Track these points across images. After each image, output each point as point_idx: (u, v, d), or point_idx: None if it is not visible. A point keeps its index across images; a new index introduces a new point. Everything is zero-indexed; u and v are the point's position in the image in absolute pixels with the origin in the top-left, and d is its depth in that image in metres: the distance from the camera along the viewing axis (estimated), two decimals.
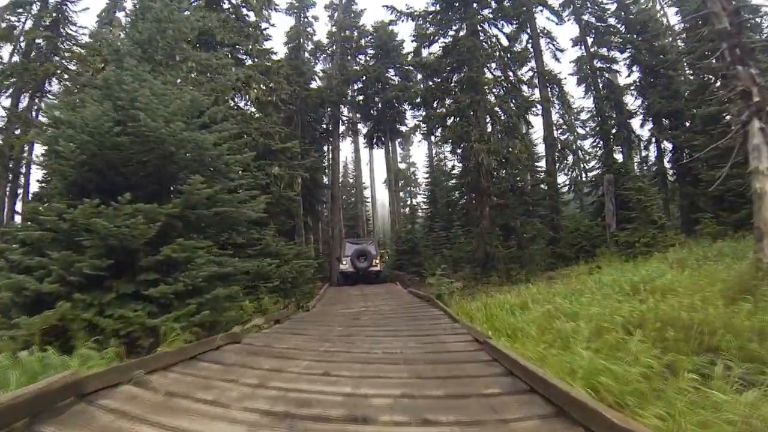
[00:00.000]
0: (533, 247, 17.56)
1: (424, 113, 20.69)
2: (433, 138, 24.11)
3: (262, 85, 17.66)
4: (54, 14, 22.13)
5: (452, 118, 17.62)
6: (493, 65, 19.65)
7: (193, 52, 10.43)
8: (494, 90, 19.54)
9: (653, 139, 29.55)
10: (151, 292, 6.17)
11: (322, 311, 9.49)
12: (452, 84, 18.42)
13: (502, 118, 18.46)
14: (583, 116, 35.27)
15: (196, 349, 4.26)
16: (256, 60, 18.90)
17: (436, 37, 19.31)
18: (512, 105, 18.23)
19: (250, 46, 18.84)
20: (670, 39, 31.05)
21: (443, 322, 6.51)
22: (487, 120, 18.50)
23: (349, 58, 35.36)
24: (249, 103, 17.68)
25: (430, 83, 19.47)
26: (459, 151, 19.41)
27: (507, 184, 17.85)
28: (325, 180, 33.16)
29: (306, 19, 35.13)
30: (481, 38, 18.67)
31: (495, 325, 7.67)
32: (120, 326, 6.08)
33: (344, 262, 18.83)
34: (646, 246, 17.42)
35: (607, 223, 24.24)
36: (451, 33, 19.39)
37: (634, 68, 30.14)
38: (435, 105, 19.16)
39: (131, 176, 7.75)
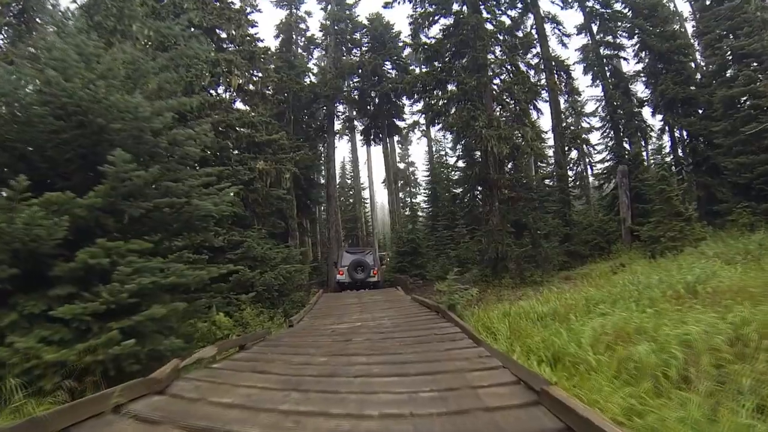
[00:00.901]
0: (547, 244, 15.80)
1: (423, 103, 18.90)
2: (434, 128, 22.28)
3: (246, 72, 15.95)
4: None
5: (456, 104, 15.90)
6: (498, 50, 17.97)
7: (149, 20, 8.72)
8: (501, 75, 17.81)
9: (666, 128, 27.85)
10: (57, 311, 4.46)
11: (308, 327, 7.74)
12: (455, 67, 16.64)
13: (510, 104, 16.75)
14: (590, 107, 33.76)
15: (65, 417, 2.51)
16: (239, 47, 17.17)
17: (436, 17, 17.58)
18: (520, 90, 16.49)
19: (233, 32, 17.12)
20: (678, 25, 29.65)
21: (463, 347, 4.77)
22: (494, 108, 16.78)
23: (344, 51, 33.69)
24: (233, 92, 15.94)
25: (430, 68, 17.66)
26: (463, 142, 17.80)
27: (518, 176, 16.10)
28: (322, 181, 31.57)
29: (297, 12, 33.56)
30: (485, 16, 16.96)
31: (527, 343, 5.96)
32: (16, 360, 4.40)
33: (342, 273, 17.68)
34: (672, 240, 15.69)
35: (621, 218, 22.55)
36: (452, 13, 17.63)
37: (643, 54, 28.62)
38: (436, 92, 17.39)
39: (61, 161, 6.08)
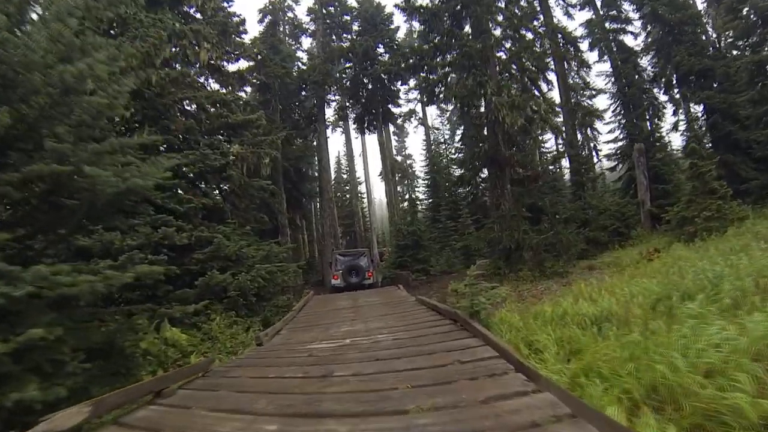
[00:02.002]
0: (568, 231, 13.80)
1: (421, 79, 16.80)
2: (431, 111, 20.00)
3: (218, 46, 13.93)
4: None
5: (458, 73, 13.84)
6: (500, 17, 15.91)
7: None
8: (505, 44, 15.74)
9: (682, 103, 25.99)
10: None
11: (281, 346, 5.79)
12: (456, 34, 14.46)
13: (517, 75, 14.72)
14: (597, 86, 31.79)
15: None
16: (210, 19, 15.12)
17: None
18: (530, 56, 14.41)
19: (204, 3, 15.09)
20: None
21: (514, 391, 2.78)
22: (500, 80, 14.74)
23: (333, 38, 31.69)
24: (203, 68, 13.89)
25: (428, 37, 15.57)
26: (462, 128, 15.80)
27: (531, 152, 14.04)
28: (316, 176, 29.69)
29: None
30: None
31: (593, 365, 4.04)
32: None
33: (337, 278, 16.93)
34: (708, 221, 13.85)
35: (639, 200, 20.67)
36: None
37: (651, 27, 26.92)
38: (435, 60, 15.21)
39: None
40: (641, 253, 13.84)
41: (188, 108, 12.47)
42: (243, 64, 19.65)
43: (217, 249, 9.71)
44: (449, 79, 14.46)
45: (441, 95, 14.89)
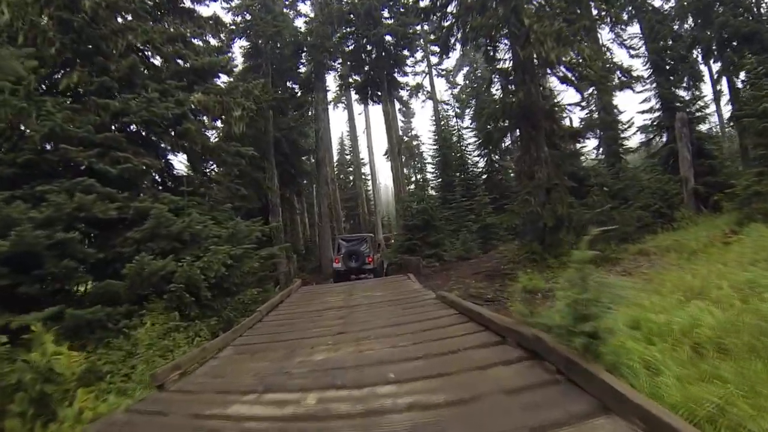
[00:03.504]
0: (623, 207, 10.97)
1: (433, 23, 13.89)
2: (450, 56, 16.20)
3: None
4: None
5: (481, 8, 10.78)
6: None
7: None
8: None
9: (726, 70, 23.12)
10: None
11: (185, 404, 2.94)
12: None
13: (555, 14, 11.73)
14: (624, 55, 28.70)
15: None
16: None
17: None
18: None
19: None
20: None
21: None
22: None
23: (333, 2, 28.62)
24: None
25: None
26: (476, 99, 12.89)
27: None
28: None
29: None
30: None
31: None
32: None
33: (338, 261, 16.81)
34: None
35: (683, 177, 17.87)
36: None
37: None
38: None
39: None
40: (709, 235, 11.16)
41: (137, 47, 9.67)
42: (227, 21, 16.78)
43: (156, 225, 6.98)
44: (470, 17, 11.43)
45: (459, 39, 11.83)
